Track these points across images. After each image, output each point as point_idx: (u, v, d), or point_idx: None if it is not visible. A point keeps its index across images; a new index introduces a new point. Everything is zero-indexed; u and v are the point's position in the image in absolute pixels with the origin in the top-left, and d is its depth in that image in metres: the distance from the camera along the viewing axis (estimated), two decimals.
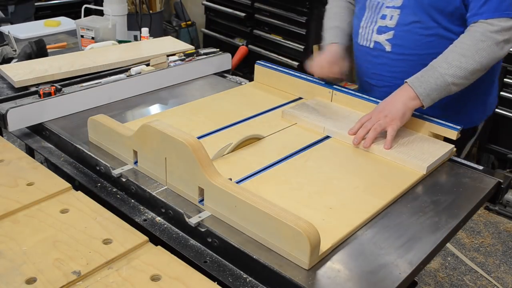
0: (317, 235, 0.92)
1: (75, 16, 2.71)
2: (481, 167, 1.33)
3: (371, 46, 1.57)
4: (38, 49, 1.81)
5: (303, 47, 3.52)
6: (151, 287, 0.87)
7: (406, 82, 1.38)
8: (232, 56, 2.00)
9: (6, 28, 2.23)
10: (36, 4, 3.49)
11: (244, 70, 3.78)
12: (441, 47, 1.41)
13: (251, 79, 1.81)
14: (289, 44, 3.61)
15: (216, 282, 0.91)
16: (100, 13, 2.24)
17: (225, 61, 1.94)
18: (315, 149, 1.34)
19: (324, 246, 0.97)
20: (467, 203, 1.17)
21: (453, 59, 1.35)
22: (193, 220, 1.04)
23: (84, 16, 2.13)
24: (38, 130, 1.45)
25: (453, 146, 1.35)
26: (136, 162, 1.22)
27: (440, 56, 1.38)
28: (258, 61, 1.77)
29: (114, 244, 0.96)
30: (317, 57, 1.61)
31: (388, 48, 1.53)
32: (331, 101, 1.58)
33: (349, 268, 0.96)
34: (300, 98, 1.65)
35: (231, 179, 1.08)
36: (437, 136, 1.38)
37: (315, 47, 3.49)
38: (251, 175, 1.20)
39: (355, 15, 1.66)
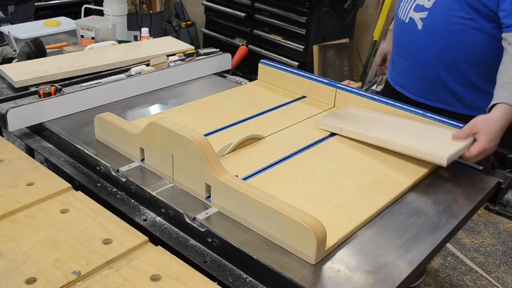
0: (323, 231, 0.93)
1: (75, 16, 2.72)
2: (481, 167, 1.33)
3: (406, 21, 1.62)
4: (35, 47, 1.81)
5: (303, 47, 3.52)
6: (151, 287, 0.87)
7: (501, 104, 1.30)
8: (232, 56, 2.00)
9: (6, 28, 2.22)
10: (36, 4, 3.49)
11: (244, 70, 3.78)
12: (470, 37, 1.45)
13: (251, 79, 1.81)
14: (289, 44, 3.61)
15: (216, 282, 0.91)
16: (100, 13, 2.24)
17: (225, 61, 1.94)
18: (319, 147, 1.36)
19: (330, 241, 0.98)
20: (467, 203, 1.17)
21: None
22: (200, 216, 1.05)
23: (84, 16, 2.13)
24: (38, 130, 1.45)
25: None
26: (143, 160, 1.23)
27: None
28: (262, 60, 1.79)
29: (114, 244, 0.96)
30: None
31: (419, 26, 1.57)
32: (335, 99, 1.60)
33: (349, 268, 0.95)
34: (304, 97, 1.66)
35: (237, 176, 1.09)
36: None
37: (315, 47, 3.49)
38: (256, 172, 1.22)
39: None
